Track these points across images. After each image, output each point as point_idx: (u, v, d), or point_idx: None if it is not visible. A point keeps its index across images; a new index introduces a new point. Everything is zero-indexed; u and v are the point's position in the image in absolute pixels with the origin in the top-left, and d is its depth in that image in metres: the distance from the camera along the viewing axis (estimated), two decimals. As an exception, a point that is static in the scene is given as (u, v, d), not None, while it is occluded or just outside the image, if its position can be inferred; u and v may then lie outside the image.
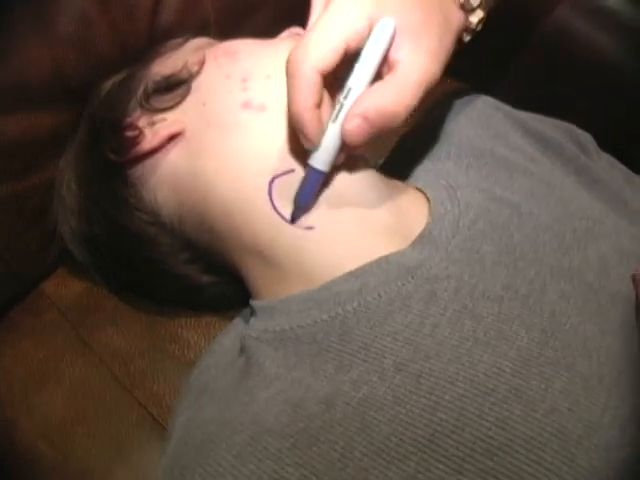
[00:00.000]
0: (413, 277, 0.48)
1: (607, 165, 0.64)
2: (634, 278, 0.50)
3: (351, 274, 0.48)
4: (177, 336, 0.62)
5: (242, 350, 0.51)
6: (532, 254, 0.51)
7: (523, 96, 0.71)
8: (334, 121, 0.46)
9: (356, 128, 0.45)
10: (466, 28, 0.53)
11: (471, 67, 0.57)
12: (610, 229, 0.55)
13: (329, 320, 0.47)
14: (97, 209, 0.58)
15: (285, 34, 0.62)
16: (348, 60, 0.46)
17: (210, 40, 0.62)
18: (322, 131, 0.46)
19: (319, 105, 0.46)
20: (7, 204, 0.62)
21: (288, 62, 0.45)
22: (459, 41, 0.51)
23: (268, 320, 0.50)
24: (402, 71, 0.45)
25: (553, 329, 0.46)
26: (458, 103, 0.67)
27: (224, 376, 0.50)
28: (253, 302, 0.53)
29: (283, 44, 0.58)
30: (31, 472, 0.59)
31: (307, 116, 0.45)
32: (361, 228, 0.50)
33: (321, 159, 0.48)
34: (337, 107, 0.46)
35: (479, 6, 0.52)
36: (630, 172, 0.65)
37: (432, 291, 0.47)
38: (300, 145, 0.48)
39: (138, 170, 0.55)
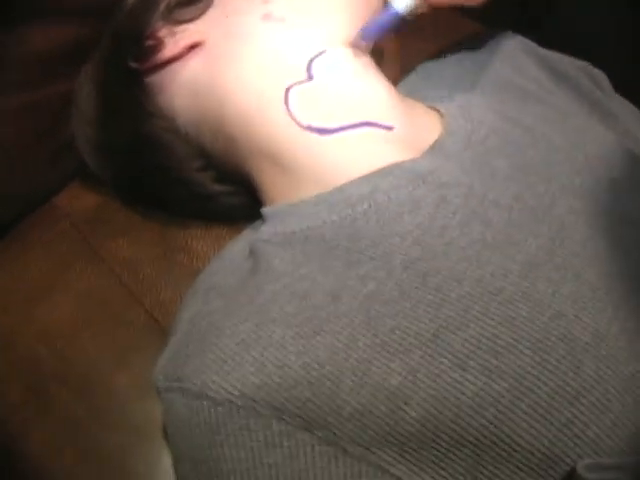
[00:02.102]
0: (424, 182, 0.48)
1: (619, 104, 0.65)
2: None
3: (363, 178, 0.49)
4: (187, 246, 0.62)
5: (251, 253, 0.51)
6: (543, 171, 0.51)
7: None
8: None
9: None
10: None
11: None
12: (621, 158, 0.55)
13: (338, 220, 0.48)
14: (115, 117, 0.59)
15: None
16: None
17: None
18: None
19: None
20: (26, 112, 0.63)
21: None
22: None
23: (279, 224, 0.50)
24: None
25: (562, 238, 0.46)
26: (482, 37, 0.68)
27: (232, 275, 0.51)
28: (265, 209, 0.53)
29: None
30: (29, 377, 0.59)
31: None
32: (375, 136, 0.51)
33: (403, 2, 0.51)
34: None
35: None
36: None
37: (443, 196, 0.48)
38: (317, 56, 0.51)
39: (157, 78, 0.56)
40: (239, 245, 0.54)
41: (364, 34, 0.52)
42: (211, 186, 0.59)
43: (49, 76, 0.63)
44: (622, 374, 0.41)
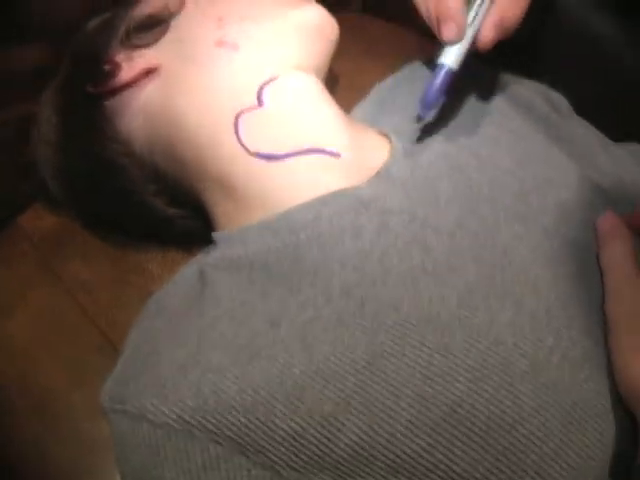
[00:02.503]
0: (366, 209, 0.49)
1: (580, 127, 0.65)
2: (598, 224, 0.51)
3: (307, 204, 0.50)
4: (142, 269, 0.63)
5: (200, 277, 0.52)
6: (488, 194, 0.51)
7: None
8: (470, 26, 0.52)
9: (490, 33, 0.51)
10: None
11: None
12: (573, 181, 0.55)
13: (282, 247, 0.48)
14: (74, 140, 0.60)
15: None
16: None
17: None
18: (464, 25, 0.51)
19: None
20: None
21: None
22: None
23: (226, 249, 0.51)
24: None
25: (503, 265, 0.47)
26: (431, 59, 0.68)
27: (180, 299, 0.52)
28: (215, 234, 0.54)
29: None
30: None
31: (460, 8, 0.51)
32: (321, 162, 0.52)
33: (453, 56, 0.52)
34: (472, 14, 0.52)
35: None
36: (605, 138, 0.65)
37: (384, 223, 0.48)
38: (268, 83, 0.52)
39: (114, 102, 0.57)
40: (191, 269, 0.55)
41: (425, 104, 0.53)
42: (166, 209, 0.60)
43: (13, 98, 0.65)
44: (563, 403, 0.41)
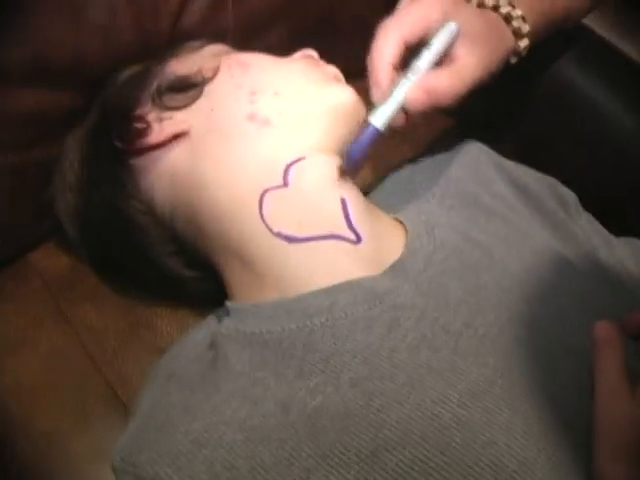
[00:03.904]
0: (380, 302, 0.51)
1: (586, 224, 0.67)
2: (595, 332, 0.51)
3: (323, 291, 0.51)
4: (152, 324, 0.65)
5: (212, 345, 0.54)
6: (495, 298, 0.53)
7: (516, 145, 0.76)
8: (399, 89, 0.53)
9: (418, 97, 0.53)
10: (514, 51, 0.63)
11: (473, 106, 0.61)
12: (577, 285, 0.57)
13: (296, 330, 0.50)
14: (95, 190, 0.61)
15: (298, 55, 0.65)
16: (417, 47, 0.55)
17: (226, 47, 0.65)
18: (389, 88, 0.53)
19: (395, 66, 0.54)
20: (11, 172, 0.65)
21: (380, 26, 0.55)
22: (507, 61, 0.62)
23: (240, 322, 0.53)
24: (459, 65, 0.55)
25: (503, 369, 0.49)
26: (453, 147, 0.70)
27: (192, 366, 0.53)
28: (228, 303, 0.56)
29: (295, 65, 0.62)
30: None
31: (385, 66, 0.53)
32: (340, 249, 0.53)
33: (380, 118, 0.53)
34: (403, 80, 0.53)
35: (527, 35, 0.63)
36: (609, 235, 0.67)
37: (396, 318, 0.50)
38: (295, 162, 0.54)
39: (140, 161, 0.58)
40: (202, 333, 0.57)
41: (348, 159, 0.54)
42: (181, 270, 0.62)
43: (37, 139, 0.65)
44: None
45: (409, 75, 0.53)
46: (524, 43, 0.63)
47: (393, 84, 0.53)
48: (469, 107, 0.59)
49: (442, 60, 0.55)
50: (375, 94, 0.54)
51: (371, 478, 0.44)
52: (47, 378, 0.62)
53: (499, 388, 0.48)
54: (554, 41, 0.69)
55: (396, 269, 0.54)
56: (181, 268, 0.62)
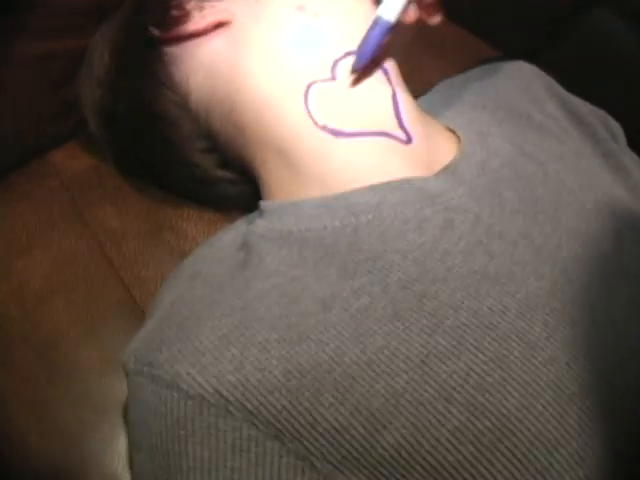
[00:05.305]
0: (433, 203, 0.47)
1: (630, 159, 0.64)
2: None
3: (370, 188, 0.48)
4: (176, 226, 0.60)
5: (243, 245, 0.50)
6: (552, 211, 0.50)
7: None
8: None
9: None
10: None
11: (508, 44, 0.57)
12: (628, 211, 0.54)
13: (340, 227, 0.46)
14: (125, 81, 0.57)
15: None
16: None
17: None
18: None
19: None
20: (35, 62, 0.61)
21: None
22: None
23: (276, 220, 0.49)
24: None
25: (563, 283, 0.46)
26: (502, 65, 0.67)
27: (220, 265, 0.49)
28: (264, 202, 0.52)
29: None
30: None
31: None
32: (390, 147, 0.50)
33: (389, 7, 0.48)
34: None
35: None
36: None
37: (449, 220, 0.47)
38: (344, 58, 0.50)
39: (176, 50, 0.54)
40: (231, 234, 0.53)
41: (360, 57, 0.50)
42: (212, 170, 0.58)
43: (69, 28, 0.61)
44: (601, 430, 0.40)
45: None
46: None
47: None
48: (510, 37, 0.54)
49: None
50: None
51: (421, 389, 0.40)
52: (57, 283, 0.58)
53: (559, 302, 0.44)
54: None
55: (449, 172, 0.50)
56: (213, 167, 0.58)
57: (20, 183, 0.64)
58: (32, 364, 0.55)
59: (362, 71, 0.50)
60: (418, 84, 0.60)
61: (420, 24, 0.51)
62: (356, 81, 0.50)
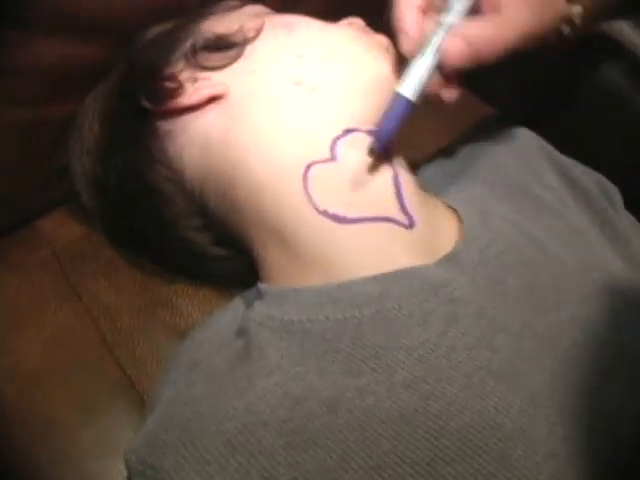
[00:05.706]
0: (436, 295, 0.46)
1: (628, 223, 0.64)
2: None
3: (372, 279, 0.47)
4: (171, 302, 0.59)
5: (241, 332, 0.48)
6: (553, 298, 0.50)
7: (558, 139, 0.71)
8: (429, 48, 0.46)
9: (457, 48, 0.46)
10: (567, 18, 0.54)
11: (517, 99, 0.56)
12: (626, 287, 0.54)
13: (343, 321, 0.45)
14: (116, 154, 0.56)
15: (344, 22, 0.59)
16: None
17: (267, 10, 0.60)
18: (419, 37, 0.47)
19: (423, 11, 0.47)
20: (23, 129, 0.60)
21: None
22: (559, 32, 0.54)
23: (276, 307, 0.48)
24: (509, 14, 0.47)
25: (563, 375, 0.45)
26: (500, 132, 0.66)
27: (218, 355, 0.48)
28: (262, 285, 0.50)
29: (344, 31, 0.57)
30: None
31: (412, 10, 0.47)
32: (392, 233, 0.49)
33: (411, 87, 0.46)
34: (433, 36, 0.46)
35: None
36: None
37: (453, 313, 0.46)
38: (343, 136, 0.49)
39: (170, 124, 0.53)
40: (228, 317, 0.52)
41: (380, 136, 0.48)
42: (207, 248, 0.57)
43: (55, 93, 0.60)
44: None
45: (443, 20, 0.47)
46: (577, 10, 0.54)
47: (423, 36, 0.47)
48: (512, 97, 0.53)
49: (479, 8, 0.48)
50: (404, 43, 0.48)
51: None
52: (51, 362, 0.57)
53: (560, 396, 0.44)
54: (603, 47, 0.66)
55: (451, 260, 0.49)
56: (208, 245, 0.56)
57: (9, 252, 0.62)
58: (30, 445, 0.54)
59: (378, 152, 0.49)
60: (413, 149, 0.60)
61: (434, 99, 0.49)
62: (369, 164, 0.49)
